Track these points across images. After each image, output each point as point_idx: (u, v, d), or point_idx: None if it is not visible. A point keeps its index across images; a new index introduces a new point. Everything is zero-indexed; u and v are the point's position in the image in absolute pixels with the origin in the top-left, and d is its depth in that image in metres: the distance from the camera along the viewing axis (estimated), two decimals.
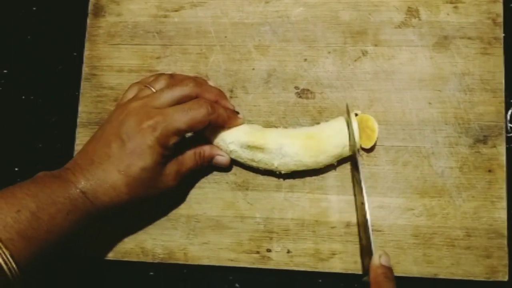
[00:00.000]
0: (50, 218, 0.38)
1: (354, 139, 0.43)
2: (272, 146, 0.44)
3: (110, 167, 0.40)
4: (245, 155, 0.45)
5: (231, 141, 0.45)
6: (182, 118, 0.41)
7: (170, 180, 0.43)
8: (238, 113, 0.46)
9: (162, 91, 0.43)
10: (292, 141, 0.44)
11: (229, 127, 0.45)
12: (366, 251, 0.42)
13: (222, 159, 0.46)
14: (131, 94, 0.45)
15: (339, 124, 0.45)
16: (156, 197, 0.43)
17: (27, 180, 0.40)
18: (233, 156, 0.46)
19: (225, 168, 0.47)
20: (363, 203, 0.42)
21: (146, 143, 0.40)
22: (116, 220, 0.48)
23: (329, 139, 0.44)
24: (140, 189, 0.41)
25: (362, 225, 0.44)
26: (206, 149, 0.46)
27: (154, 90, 0.44)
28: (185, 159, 0.45)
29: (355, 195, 0.46)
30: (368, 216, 0.42)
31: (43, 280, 0.48)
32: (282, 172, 0.46)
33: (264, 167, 0.46)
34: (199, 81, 0.45)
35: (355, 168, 0.45)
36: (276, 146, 0.44)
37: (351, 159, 0.46)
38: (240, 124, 0.46)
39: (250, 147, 0.44)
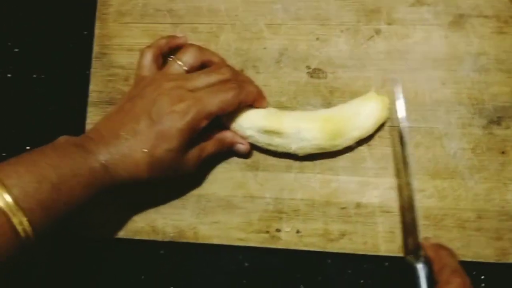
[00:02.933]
0: (70, 190, 0.38)
1: (397, 113, 0.43)
2: (289, 130, 0.44)
3: (135, 144, 0.40)
4: (262, 140, 0.45)
5: (249, 126, 0.45)
6: (213, 101, 0.41)
7: (190, 165, 0.43)
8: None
9: (198, 75, 0.43)
10: (309, 125, 0.44)
11: (257, 107, 0.45)
12: (409, 231, 0.42)
13: (243, 147, 0.46)
14: (147, 62, 0.45)
15: (356, 106, 0.44)
16: (173, 178, 0.43)
17: (47, 145, 0.40)
18: (250, 141, 0.46)
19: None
20: (408, 183, 0.42)
21: (176, 127, 0.40)
22: (128, 197, 0.48)
23: (347, 121, 0.44)
24: (160, 170, 0.41)
25: (407, 204, 0.43)
26: (228, 136, 0.46)
27: (182, 64, 0.44)
28: (207, 144, 0.44)
29: (396, 175, 0.46)
30: (414, 196, 0.41)
31: (56, 260, 0.48)
32: (300, 155, 0.45)
33: (282, 151, 0.45)
34: (232, 68, 0.46)
35: (400, 146, 0.43)
36: (294, 130, 0.44)
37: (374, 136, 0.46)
38: (266, 106, 0.46)
39: (268, 132, 0.44)
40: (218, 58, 0.46)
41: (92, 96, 0.50)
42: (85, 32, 0.52)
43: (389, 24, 0.47)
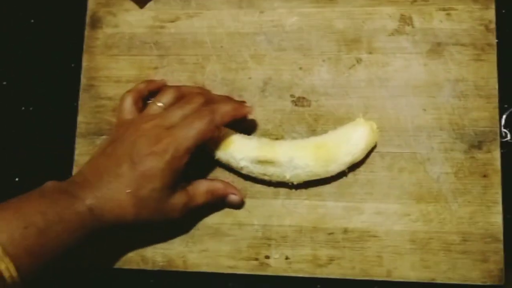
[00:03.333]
0: (57, 236, 0.38)
1: None
2: (282, 159, 0.44)
3: (120, 187, 0.41)
4: (256, 170, 0.45)
5: (242, 157, 0.45)
6: (189, 134, 0.42)
7: (176, 211, 0.43)
8: (244, 102, 0.47)
9: (172, 110, 0.44)
10: (302, 153, 0.44)
11: (243, 117, 0.45)
12: None
13: (235, 198, 0.46)
14: (127, 106, 0.45)
15: (346, 132, 0.45)
16: (161, 224, 0.43)
17: (34, 191, 0.40)
18: (244, 172, 0.46)
19: (223, 177, 0.48)
20: None
21: (158, 167, 0.41)
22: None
23: (338, 147, 0.44)
24: (146, 211, 0.42)
25: None
26: (220, 187, 0.46)
27: (161, 105, 0.44)
28: (196, 194, 0.45)
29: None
30: None
31: None
32: (295, 183, 0.46)
33: (277, 180, 0.46)
34: (206, 94, 0.46)
35: None
36: (287, 159, 0.44)
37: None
38: (249, 112, 0.46)
39: (261, 162, 0.45)
40: (197, 95, 0.46)
41: (81, 127, 0.51)
42: (73, 65, 0.53)
43: (369, 53, 0.48)
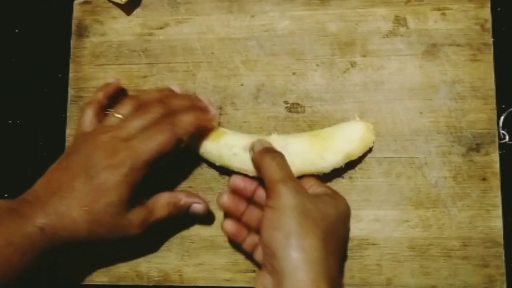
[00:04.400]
0: (6, 261, 0.37)
1: None
2: (277, 144, 0.43)
3: (73, 202, 0.39)
4: (248, 158, 0.43)
5: (234, 144, 0.43)
6: (148, 147, 0.40)
7: (134, 227, 0.41)
8: (209, 109, 0.45)
9: (130, 121, 0.41)
10: (297, 139, 0.43)
11: (208, 127, 0.44)
12: None
13: (199, 207, 0.44)
14: (88, 118, 0.44)
15: (343, 125, 0.44)
16: (118, 242, 0.41)
17: None
18: (237, 164, 0.44)
19: (218, 188, 0.47)
20: None
21: (113, 180, 0.39)
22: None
23: (334, 136, 0.43)
24: (101, 228, 0.40)
25: None
26: (181, 198, 0.44)
27: (120, 116, 0.43)
28: (156, 208, 0.42)
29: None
30: None
31: None
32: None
33: None
34: (167, 102, 0.43)
35: None
36: (282, 144, 0.43)
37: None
38: (213, 120, 0.44)
39: None
40: (156, 104, 0.43)
41: (70, 140, 0.49)
42: (60, 75, 0.52)
43: (363, 56, 0.47)
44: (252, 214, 0.43)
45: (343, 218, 0.41)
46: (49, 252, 0.39)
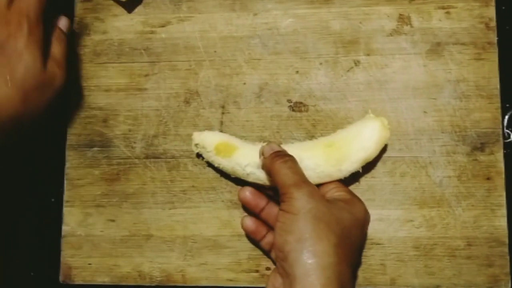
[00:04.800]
0: None
1: None
2: None
3: None
4: (263, 176, 0.43)
5: (247, 163, 0.43)
6: (30, 1, 0.40)
7: (58, 74, 0.42)
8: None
9: None
10: (311, 153, 0.42)
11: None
12: None
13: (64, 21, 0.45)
14: None
15: (356, 129, 0.43)
16: (54, 99, 0.42)
17: None
18: (251, 180, 0.44)
19: (220, 188, 0.46)
20: None
21: (21, 44, 0.40)
22: (109, 243, 0.47)
23: (349, 144, 0.42)
24: (32, 92, 0.40)
25: None
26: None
27: None
28: (53, 49, 0.43)
29: None
30: None
31: None
32: None
33: None
34: None
35: None
36: (296, 160, 0.42)
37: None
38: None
39: None
40: None
41: (71, 139, 0.49)
42: None
43: (367, 54, 0.47)
44: (272, 211, 0.43)
45: (359, 224, 0.41)
46: None
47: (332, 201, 0.40)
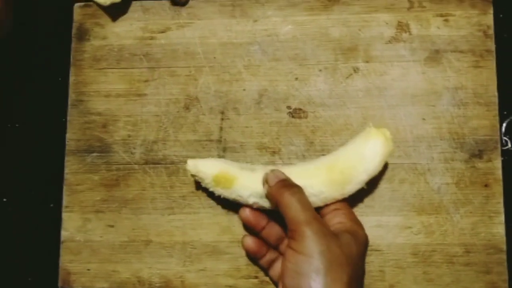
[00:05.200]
0: None
1: None
2: None
3: None
4: (268, 205, 0.43)
5: (249, 194, 0.42)
6: None
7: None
8: None
9: None
10: (314, 180, 0.41)
11: None
12: None
13: None
14: None
15: (358, 147, 0.42)
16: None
17: None
18: (257, 207, 0.43)
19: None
20: None
21: None
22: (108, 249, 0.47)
23: (352, 167, 0.41)
24: None
25: None
26: None
27: None
28: None
29: None
30: None
31: None
32: None
33: None
34: None
35: None
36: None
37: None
38: None
39: None
40: None
41: (70, 144, 0.49)
42: (60, 79, 0.51)
43: (366, 61, 0.47)
44: (272, 230, 0.43)
45: (363, 252, 0.41)
46: None
47: (339, 234, 0.40)
